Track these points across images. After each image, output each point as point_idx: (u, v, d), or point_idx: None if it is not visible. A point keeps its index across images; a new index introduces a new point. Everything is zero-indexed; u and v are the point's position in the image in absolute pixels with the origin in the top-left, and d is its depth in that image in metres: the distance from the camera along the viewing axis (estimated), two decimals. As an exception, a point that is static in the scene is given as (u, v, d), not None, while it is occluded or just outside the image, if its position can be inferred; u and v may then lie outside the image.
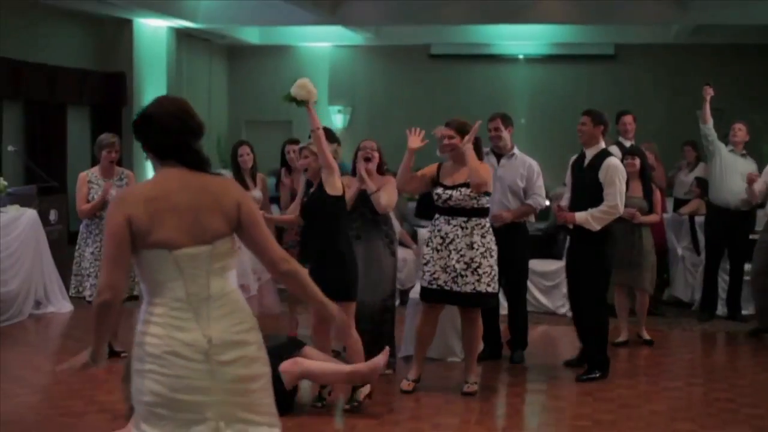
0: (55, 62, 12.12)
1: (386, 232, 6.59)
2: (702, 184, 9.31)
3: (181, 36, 14.41)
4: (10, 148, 10.28)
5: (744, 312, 8.72)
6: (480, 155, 6.12)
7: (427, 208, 9.02)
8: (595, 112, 6.55)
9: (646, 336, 7.75)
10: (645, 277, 7.56)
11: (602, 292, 6.57)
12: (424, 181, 6.20)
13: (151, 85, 13.51)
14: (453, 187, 5.99)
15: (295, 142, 7.64)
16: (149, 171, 2.69)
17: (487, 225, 6.05)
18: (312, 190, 5.86)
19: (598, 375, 6.52)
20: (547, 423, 5.89)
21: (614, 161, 6.48)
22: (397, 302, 7.08)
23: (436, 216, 6.09)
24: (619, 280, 7.46)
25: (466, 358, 6.25)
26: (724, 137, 8.67)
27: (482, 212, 6.03)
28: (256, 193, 7.28)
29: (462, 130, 6.00)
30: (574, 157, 6.81)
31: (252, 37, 15.54)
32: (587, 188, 6.47)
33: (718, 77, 10.60)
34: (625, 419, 5.68)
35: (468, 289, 5.90)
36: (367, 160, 6.46)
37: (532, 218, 7.28)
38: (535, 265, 8.36)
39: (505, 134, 6.93)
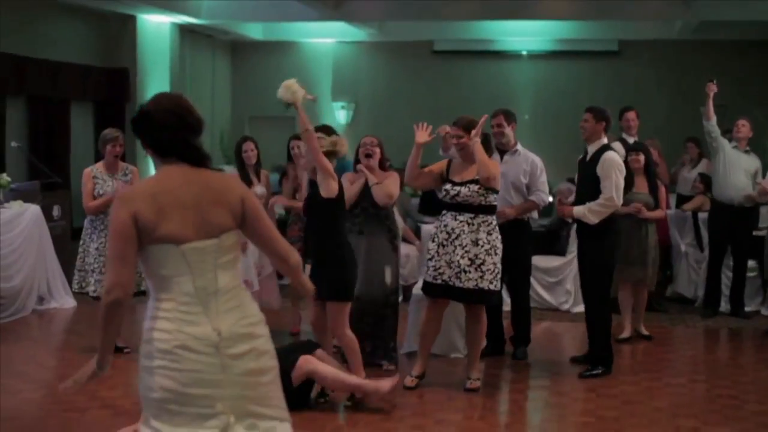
0: (58, 58, 12.14)
1: (389, 228, 6.58)
2: (705, 180, 9.31)
3: (185, 32, 14.41)
4: (13, 143, 10.27)
5: (747, 308, 8.72)
6: (490, 150, 6.13)
7: (430, 204, 9.04)
8: (597, 109, 6.54)
9: (645, 331, 7.75)
10: (648, 273, 7.57)
11: (605, 288, 6.57)
12: (432, 176, 6.20)
13: (155, 81, 13.52)
14: (461, 183, 5.98)
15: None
16: (152, 167, 2.70)
17: (494, 223, 6.03)
18: (311, 189, 5.84)
19: (601, 371, 6.52)
20: (549, 419, 5.89)
21: (612, 155, 6.47)
22: (400, 298, 7.07)
23: (443, 212, 6.08)
24: (624, 277, 7.46)
25: (470, 355, 6.25)
26: (727, 133, 8.67)
27: (489, 209, 6.02)
28: (260, 189, 7.27)
29: (470, 128, 5.99)
30: (581, 156, 6.82)
31: (255, 33, 15.54)
32: (589, 183, 6.48)
33: (722, 74, 10.55)
34: (628, 415, 5.68)
35: (470, 285, 5.89)
36: (368, 156, 6.46)
37: (535, 214, 7.28)
38: (538, 261, 8.36)
39: (508, 130, 6.92)
